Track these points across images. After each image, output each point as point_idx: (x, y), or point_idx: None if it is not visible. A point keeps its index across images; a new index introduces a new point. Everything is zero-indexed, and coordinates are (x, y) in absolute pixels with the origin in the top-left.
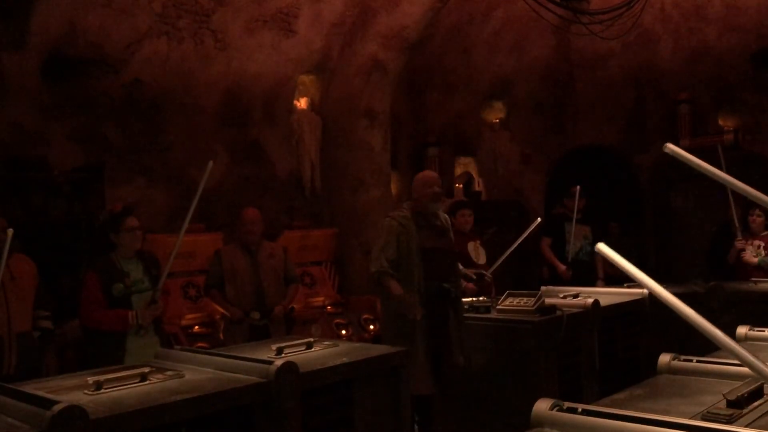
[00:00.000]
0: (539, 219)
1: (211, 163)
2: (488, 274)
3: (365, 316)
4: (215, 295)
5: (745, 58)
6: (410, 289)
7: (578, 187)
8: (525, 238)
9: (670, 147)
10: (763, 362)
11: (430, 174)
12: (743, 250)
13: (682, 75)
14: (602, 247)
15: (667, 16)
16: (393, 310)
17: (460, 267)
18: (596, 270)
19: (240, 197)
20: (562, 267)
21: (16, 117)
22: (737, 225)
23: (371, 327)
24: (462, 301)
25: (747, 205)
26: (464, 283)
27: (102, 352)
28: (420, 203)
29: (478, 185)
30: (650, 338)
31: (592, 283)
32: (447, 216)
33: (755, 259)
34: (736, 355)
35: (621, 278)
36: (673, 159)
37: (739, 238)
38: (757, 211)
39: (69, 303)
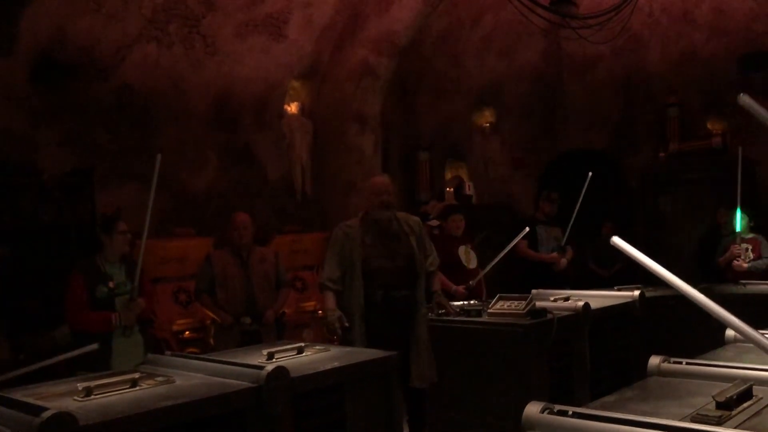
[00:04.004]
0: (527, 228)
1: (159, 156)
2: (472, 282)
3: None
4: (206, 299)
5: (733, 62)
6: (350, 300)
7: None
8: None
9: (743, 99)
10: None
11: (379, 181)
12: (739, 256)
13: (671, 79)
14: (617, 240)
15: (655, 20)
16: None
17: (449, 284)
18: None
19: (231, 202)
20: (553, 255)
21: (5, 122)
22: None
23: None
24: (424, 311)
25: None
26: (454, 287)
27: (89, 354)
28: (370, 211)
29: (468, 189)
30: (640, 341)
31: (566, 285)
32: (415, 219)
33: (746, 265)
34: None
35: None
36: (662, 163)
37: (737, 244)
38: None
39: (58, 308)
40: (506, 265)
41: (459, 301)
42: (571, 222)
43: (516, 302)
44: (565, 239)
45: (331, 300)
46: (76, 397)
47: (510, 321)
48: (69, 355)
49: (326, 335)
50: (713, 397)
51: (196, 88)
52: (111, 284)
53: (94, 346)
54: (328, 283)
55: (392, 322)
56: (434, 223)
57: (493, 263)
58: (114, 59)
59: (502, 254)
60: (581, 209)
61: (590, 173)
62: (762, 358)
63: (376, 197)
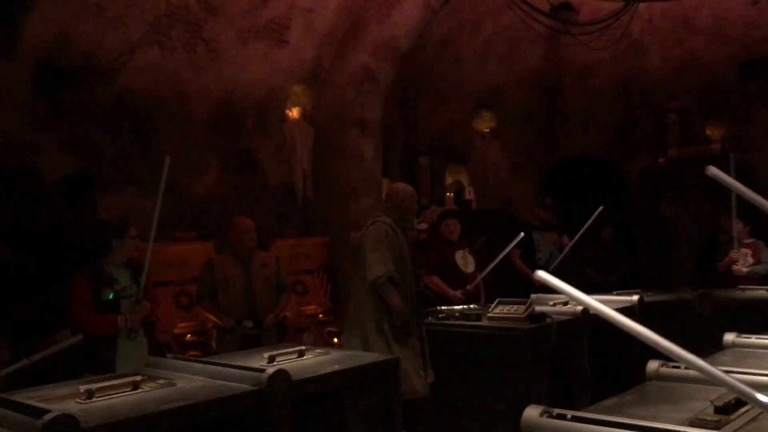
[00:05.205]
0: (522, 234)
1: (168, 159)
2: (470, 287)
3: None
4: (207, 304)
5: (733, 68)
6: (405, 296)
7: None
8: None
9: (712, 170)
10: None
11: (412, 188)
12: (737, 260)
13: (671, 85)
14: (542, 274)
15: (655, 26)
16: (383, 320)
17: (446, 289)
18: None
19: (232, 206)
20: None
21: (7, 126)
22: (736, 237)
23: None
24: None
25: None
26: (452, 292)
27: (94, 356)
28: (403, 215)
29: (469, 194)
30: (639, 345)
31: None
32: None
33: (745, 270)
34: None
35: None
36: (662, 168)
37: (735, 249)
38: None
39: (60, 312)
40: (505, 270)
41: (457, 305)
42: (566, 251)
43: (515, 306)
44: (555, 262)
45: (398, 295)
46: (78, 400)
47: (510, 325)
48: (56, 348)
49: (395, 335)
50: (711, 401)
51: (197, 93)
52: (116, 287)
53: (80, 337)
54: (395, 276)
55: (423, 317)
56: (423, 226)
57: (489, 268)
58: (116, 64)
59: (497, 260)
60: (581, 214)
61: (601, 207)
62: (760, 363)
63: (414, 204)
